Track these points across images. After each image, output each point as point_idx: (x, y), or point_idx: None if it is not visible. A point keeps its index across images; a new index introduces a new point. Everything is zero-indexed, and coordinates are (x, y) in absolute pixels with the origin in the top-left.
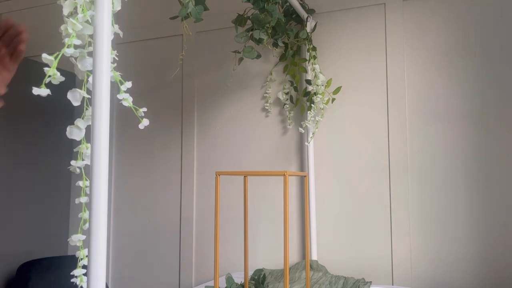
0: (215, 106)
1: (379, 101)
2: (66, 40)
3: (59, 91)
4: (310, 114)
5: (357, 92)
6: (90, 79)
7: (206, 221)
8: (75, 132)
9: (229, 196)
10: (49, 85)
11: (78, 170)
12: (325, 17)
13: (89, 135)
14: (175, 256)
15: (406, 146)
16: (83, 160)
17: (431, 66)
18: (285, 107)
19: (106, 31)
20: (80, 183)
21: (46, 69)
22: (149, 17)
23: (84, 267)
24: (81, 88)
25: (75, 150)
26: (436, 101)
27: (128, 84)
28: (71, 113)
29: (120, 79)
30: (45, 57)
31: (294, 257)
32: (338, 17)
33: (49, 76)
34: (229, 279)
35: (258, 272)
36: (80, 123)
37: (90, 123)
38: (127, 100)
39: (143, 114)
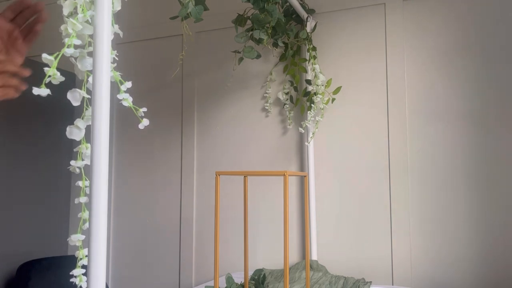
0: (215, 106)
1: (379, 101)
2: (66, 40)
3: (59, 91)
4: (310, 114)
5: (357, 92)
6: (90, 79)
7: (206, 221)
8: (75, 132)
9: (229, 196)
10: (49, 85)
11: (78, 170)
12: (325, 17)
13: (89, 135)
14: (175, 256)
15: (406, 146)
16: (82, 160)
17: (431, 66)
18: (285, 107)
19: (106, 31)
20: (80, 183)
21: (46, 69)
22: (149, 17)
23: (83, 267)
24: (81, 88)
25: (75, 150)
26: (436, 101)
27: (128, 84)
28: (71, 113)
29: (120, 79)
30: (45, 57)
31: (294, 257)
32: (338, 17)
33: (49, 76)
34: (229, 279)
35: (258, 272)
36: (80, 123)
37: (90, 123)
38: (127, 100)
39: (143, 114)
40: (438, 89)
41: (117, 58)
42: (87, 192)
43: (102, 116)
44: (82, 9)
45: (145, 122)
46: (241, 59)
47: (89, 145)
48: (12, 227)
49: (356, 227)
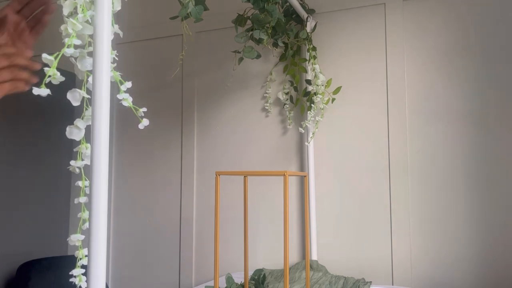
0: (215, 106)
1: (379, 101)
2: (66, 40)
3: (59, 91)
4: (310, 114)
5: (357, 92)
6: (90, 79)
7: (206, 221)
8: (74, 132)
9: (229, 196)
10: (49, 85)
11: (77, 170)
12: (325, 17)
13: (89, 135)
14: (175, 256)
15: (406, 146)
16: (82, 160)
17: (431, 66)
18: (285, 107)
19: (106, 31)
20: (80, 183)
21: (46, 69)
22: (149, 17)
23: (83, 267)
24: (81, 88)
25: (75, 150)
26: (436, 101)
27: (128, 84)
28: (71, 113)
29: (120, 79)
30: (45, 57)
31: (294, 257)
32: (338, 17)
33: (49, 76)
34: (229, 279)
35: (258, 272)
36: (80, 123)
37: (90, 123)
38: (127, 100)
39: (143, 114)
40: (438, 89)
41: (117, 58)
42: (87, 192)
43: (102, 116)
44: (82, 9)
45: (145, 122)
46: (241, 59)
47: (89, 145)
48: (12, 227)
49: (356, 227)
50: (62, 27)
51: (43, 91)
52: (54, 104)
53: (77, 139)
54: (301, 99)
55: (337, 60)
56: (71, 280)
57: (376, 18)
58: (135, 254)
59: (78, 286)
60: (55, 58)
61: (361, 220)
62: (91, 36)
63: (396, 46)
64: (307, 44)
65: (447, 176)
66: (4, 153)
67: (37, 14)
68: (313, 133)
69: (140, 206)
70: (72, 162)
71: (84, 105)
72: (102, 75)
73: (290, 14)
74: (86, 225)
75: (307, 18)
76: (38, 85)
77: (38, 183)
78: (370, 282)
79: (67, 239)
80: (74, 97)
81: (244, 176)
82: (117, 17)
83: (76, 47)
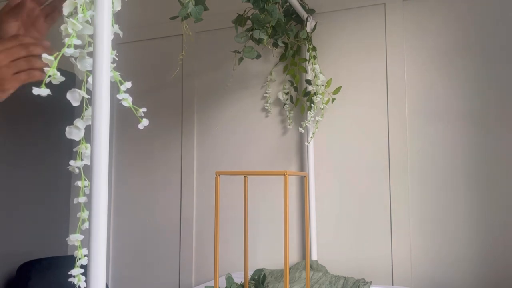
0: (215, 106)
1: (379, 101)
2: (66, 40)
3: (59, 91)
4: (310, 114)
5: (357, 92)
6: (90, 79)
7: (206, 221)
8: (74, 132)
9: (229, 196)
10: (49, 85)
11: (77, 170)
12: (325, 17)
13: (89, 135)
14: (175, 256)
15: (406, 146)
16: (82, 160)
17: (431, 66)
18: (285, 107)
19: (106, 31)
20: (79, 183)
21: (46, 69)
22: (149, 17)
23: (82, 266)
24: (81, 88)
25: (74, 150)
26: (436, 101)
27: (128, 84)
28: (71, 113)
29: (120, 79)
30: (45, 57)
31: (294, 257)
32: (338, 17)
33: (49, 76)
34: (229, 279)
35: (258, 272)
36: (79, 123)
37: (89, 123)
38: (127, 100)
39: (142, 114)
40: (438, 89)
41: (117, 58)
42: (87, 192)
43: (102, 116)
44: (82, 9)
45: (144, 122)
46: (241, 59)
47: (88, 145)
48: (12, 227)
49: (356, 227)
50: (62, 27)
51: (43, 91)
52: (54, 104)
53: (77, 139)
54: (301, 99)
55: (337, 60)
56: (70, 280)
57: (376, 18)
58: (135, 254)
59: (77, 286)
60: (55, 58)
61: (361, 220)
62: (91, 36)
63: (396, 46)
64: (307, 44)
65: (447, 176)
66: (4, 153)
67: (54, 1)
68: (313, 133)
69: (140, 206)
70: (71, 162)
71: (84, 105)
72: (102, 75)
73: (290, 14)
74: (86, 225)
75: (307, 18)
76: (38, 85)
77: (38, 183)
78: (370, 282)
79: (66, 239)
80: (74, 97)
81: (244, 176)
82: (117, 17)
83: (76, 47)
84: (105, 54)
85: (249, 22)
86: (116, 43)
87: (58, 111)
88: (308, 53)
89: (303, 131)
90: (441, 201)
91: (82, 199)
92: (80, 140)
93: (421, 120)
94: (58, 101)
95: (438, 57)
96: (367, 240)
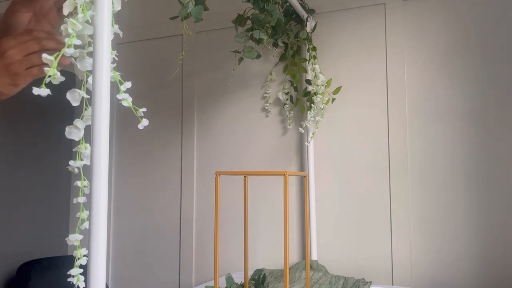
0: (215, 106)
1: (379, 101)
2: (66, 40)
3: (59, 91)
4: (310, 114)
5: (357, 92)
6: (90, 79)
7: (206, 221)
8: (74, 132)
9: (229, 196)
10: (49, 85)
11: (76, 170)
12: (325, 17)
13: (88, 135)
14: (175, 256)
15: (406, 146)
16: (81, 160)
17: (431, 66)
18: (285, 107)
19: (106, 31)
20: (79, 183)
21: (46, 69)
22: (149, 17)
23: (82, 266)
24: (81, 88)
25: (74, 150)
26: (436, 101)
27: (128, 84)
28: (71, 113)
29: (120, 79)
30: (45, 57)
31: (294, 257)
32: (338, 17)
33: (49, 76)
34: (229, 279)
35: (258, 272)
36: (79, 123)
37: (89, 123)
38: (127, 100)
39: (142, 114)
40: (438, 89)
41: (117, 58)
42: (86, 192)
43: (102, 116)
44: (82, 9)
45: (144, 122)
46: (241, 59)
47: (88, 145)
48: (12, 227)
49: (356, 227)
50: (62, 27)
51: (43, 91)
52: (54, 104)
53: (76, 139)
54: (301, 99)
55: (337, 60)
56: (69, 280)
57: (376, 18)
58: (135, 254)
59: (76, 286)
60: (55, 58)
61: (361, 220)
62: (91, 36)
63: (396, 46)
64: (307, 44)
65: (447, 176)
66: (4, 153)
67: None
68: (313, 133)
69: (140, 206)
70: (71, 162)
71: (84, 105)
72: (102, 75)
73: (290, 14)
74: (85, 225)
75: (307, 18)
76: (38, 85)
77: (38, 183)
78: (370, 282)
79: (66, 239)
80: (74, 97)
81: (244, 176)
82: (117, 17)
83: (76, 47)
84: (105, 54)
85: (249, 22)
86: (116, 43)
87: (58, 111)
88: (308, 53)
89: (303, 131)
90: (441, 201)
91: (81, 199)
92: (79, 140)
93: (421, 120)
94: (58, 101)
95: (438, 57)
96: (367, 240)
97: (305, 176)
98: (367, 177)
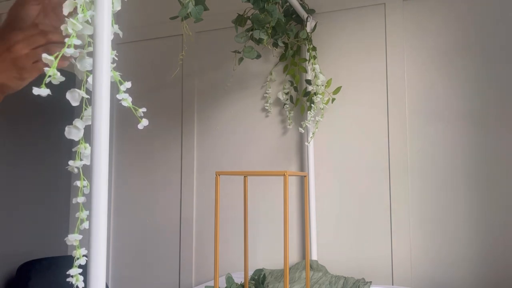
0: (215, 106)
1: (379, 101)
2: (66, 40)
3: (59, 91)
4: (310, 114)
5: (357, 92)
6: (90, 79)
7: (206, 221)
8: (73, 132)
9: (229, 196)
10: (49, 85)
11: (76, 170)
12: (325, 17)
13: (88, 135)
14: (175, 256)
15: (406, 146)
16: (81, 160)
17: (431, 66)
18: (285, 107)
19: (106, 31)
20: (78, 183)
21: (46, 69)
22: (149, 17)
23: (80, 266)
24: (80, 88)
25: (73, 150)
26: (436, 101)
27: (128, 84)
28: (71, 113)
29: (120, 79)
30: (45, 57)
31: (294, 257)
32: (338, 17)
33: (49, 76)
34: (229, 279)
35: (258, 272)
36: (79, 123)
37: (89, 123)
38: (127, 100)
39: (142, 114)
40: (438, 89)
41: (117, 58)
42: (86, 192)
43: (102, 116)
44: (82, 9)
45: (144, 122)
46: (241, 59)
47: (87, 145)
48: (12, 227)
49: (356, 227)
50: (62, 27)
51: (43, 91)
52: (54, 104)
53: (76, 139)
54: (301, 99)
55: (337, 60)
56: (68, 279)
57: (376, 18)
58: (135, 254)
59: (75, 286)
60: (55, 58)
61: (361, 220)
62: (91, 36)
63: (396, 46)
64: (307, 44)
65: (447, 176)
66: (4, 153)
67: None
68: (313, 133)
69: (140, 206)
70: (70, 162)
71: (83, 105)
72: (102, 75)
73: (290, 14)
74: (85, 225)
75: (307, 18)
76: (38, 85)
77: (38, 183)
78: (370, 282)
79: (65, 239)
80: (73, 97)
81: (244, 176)
82: (117, 17)
83: (76, 47)
84: (105, 54)
85: (249, 22)
86: (116, 43)
87: (58, 111)
88: (308, 53)
89: (303, 131)
90: (441, 201)
91: (81, 199)
92: (79, 140)
93: (421, 120)
94: (58, 101)
95: (438, 57)
96: (367, 240)
97: (305, 176)
98: (367, 177)
